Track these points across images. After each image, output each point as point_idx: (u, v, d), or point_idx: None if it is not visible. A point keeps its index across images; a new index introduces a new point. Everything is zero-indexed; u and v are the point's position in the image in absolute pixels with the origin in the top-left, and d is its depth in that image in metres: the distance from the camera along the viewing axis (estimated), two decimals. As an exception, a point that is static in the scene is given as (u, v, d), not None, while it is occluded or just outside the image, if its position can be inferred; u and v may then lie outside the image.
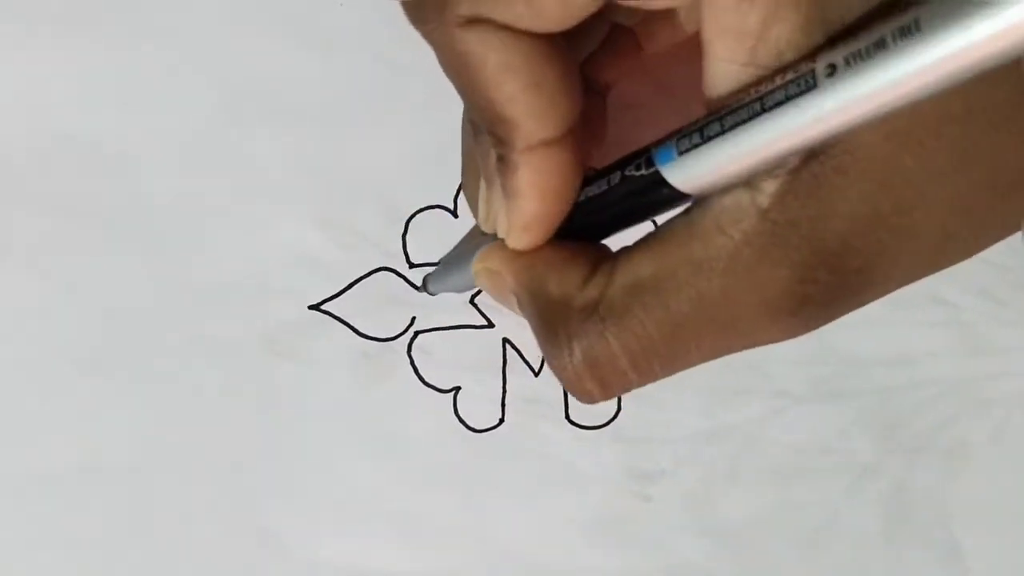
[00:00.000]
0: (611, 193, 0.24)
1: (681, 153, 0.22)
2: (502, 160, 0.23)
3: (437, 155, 0.38)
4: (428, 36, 0.23)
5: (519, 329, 0.38)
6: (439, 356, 0.38)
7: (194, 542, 0.37)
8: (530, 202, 0.24)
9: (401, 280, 0.38)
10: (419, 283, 0.38)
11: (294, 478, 0.38)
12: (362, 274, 0.38)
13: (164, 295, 0.37)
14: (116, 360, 0.37)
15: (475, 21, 0.22)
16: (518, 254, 0.25)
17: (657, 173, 0.22)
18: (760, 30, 0.20)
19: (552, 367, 0.24)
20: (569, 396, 0.38)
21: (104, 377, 0.37)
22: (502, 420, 0.38)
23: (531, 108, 0.22)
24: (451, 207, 0.38)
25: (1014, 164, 0.21)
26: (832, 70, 0.19)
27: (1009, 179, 0.22)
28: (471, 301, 0.38)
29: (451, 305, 0.38)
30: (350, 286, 0.38)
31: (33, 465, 0.37)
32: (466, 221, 0.38)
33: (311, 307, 0.38)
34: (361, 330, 0.38)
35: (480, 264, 0.27)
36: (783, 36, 0.20)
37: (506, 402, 0.38)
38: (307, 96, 0.38)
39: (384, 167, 0.38)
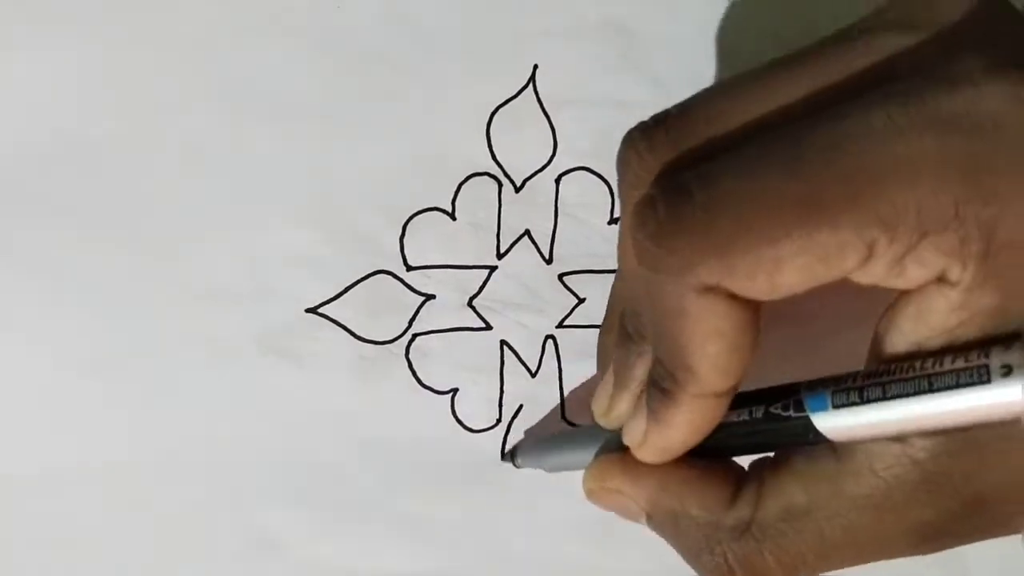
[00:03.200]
0: (752, 424, 0.26)
1: (836, 407, 0.24)
2: (665, 393, 0.25)
3: (435, 157, 0.38)
4: (659, 284, 0.24)
5: (517, 331, 0.38)
6: (437, 358, 0.38)
7: (191, 543, 0.37)
8: (679, 434, 0.26)
9: (399, 283, 0.38)
10: (419, 287, 0.38)
11: (292, 480, 0.38)
12: (360, 277, 0.38)
13: (161, 296, 0.37)
14: (114, 361, 0.37)
15: (711, 289, 0.23)
16: (645, 474, 0.27)
17: (807, 419, 0.24)
18: (953, 328, 0.22)
19: (702, 573, 0.27)
20: (566, 396, 0.38)
21: (102, 378, 0.37)
22: (499, 421, 0.38)
23: (719, 366, 0.24)
24: (449, 210, 0.38)
25: None
26: (1008, 371, 0.21)
27: None
28: (469, 304, 0.38)
29: (449, 307, 0.38)
30: (348, 289, 0.38)
31: (31, 465, 0.37)
32: (465, 224, 0.38)
33: (308, 310, 0.38)
34: (358, 333, 0.38)
35: (597, 483, 0.29)
36: (964, 335, 0.22)
37: (503, 403, 0.38)
38: (305, 97, 0.38)
39: (382, 169, 0.38)
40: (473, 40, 0.38)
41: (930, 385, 0.22)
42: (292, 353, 0.38)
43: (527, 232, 0.38)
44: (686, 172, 0.23)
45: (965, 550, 0.40)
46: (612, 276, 0.38)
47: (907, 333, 0.23)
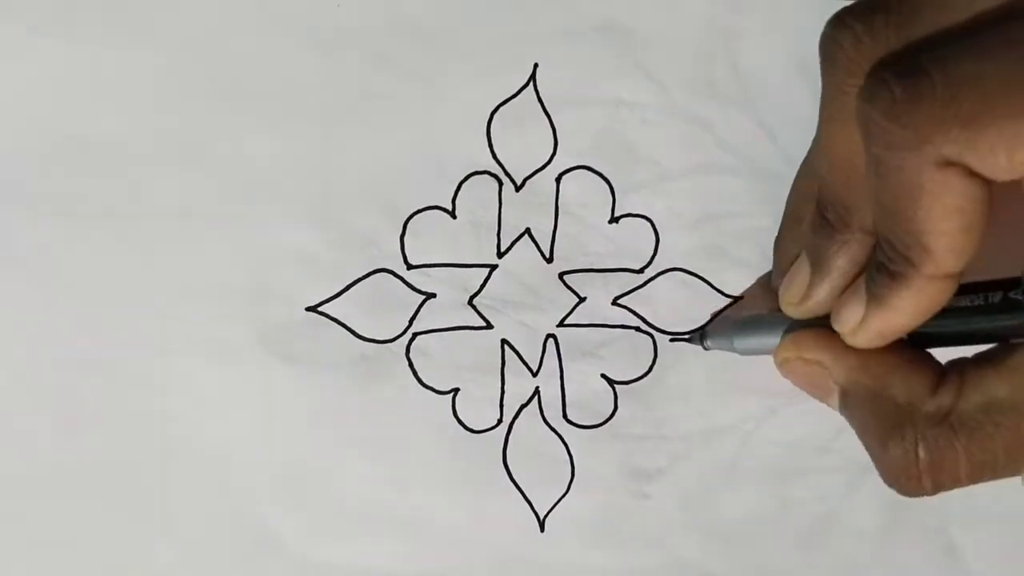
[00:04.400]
0: (985, 309, 0.26)
1: None
2: (892, 275, 0.25)
3: (436, 156, 0.38)
4: (893, 162, 0.24)
5: (518, 330, 0.38)
6: (437, 357, 0.38)
7: (192, 543, 0.37)
8: (901, 318, 0.26)
9: (399, 281, 0.38)
10: (419, 286, 0.38)
11: (292, 479, 0.38)
12: (360, 275, 0.38)
13: (161, 295, 0.37)
14: (114, 360, 0.37)
15: (951, 163, 0.23)
16: (848, 350, 0.28)
17: None
18: None
19: (884, 460, 0.27)
20: (567, 395, 0.38)
21: (102, 377, 0.37)
22: (500, 420, 0.38)
23: (954, 246, 0.24)
24: (449, 208, 0.38)
25: None
26: None
27: None
28: (469, 303, 0.38)
29: (450, 306, 0.38)
30: (348, 287, 0.38)
31: (31, 465, 0.37)
32: (465, 222, 0.38)
33: (308, 309, 0.38)
34: (359, 332, 0.38)
35: (793, 351, 0.29)
36: None
37: (504, 403, 0.38)
38: (305, 96, 0.38)
39: (382, 168, 0.38)
40: (473, 39, 0.38)
41: None
42: (292, 352, 0.38)
43: (527, 231, 0.39)
44: (921, 55, 0.23)
45: (965, 550, 0.40)
46: (612, 275, 0.39)
47: None
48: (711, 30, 0.39)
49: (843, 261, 0.28)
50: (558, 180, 0.39)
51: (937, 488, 0.26)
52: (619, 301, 0.39)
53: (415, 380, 0.38)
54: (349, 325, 0.38)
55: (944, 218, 0.24)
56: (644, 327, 0.39)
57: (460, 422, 0.38)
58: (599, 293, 0.38)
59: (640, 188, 0.39)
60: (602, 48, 0.39)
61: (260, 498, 0.37)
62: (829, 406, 0.29)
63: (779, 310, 0.32)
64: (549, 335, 0.38)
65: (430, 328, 0.38)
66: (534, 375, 0.38)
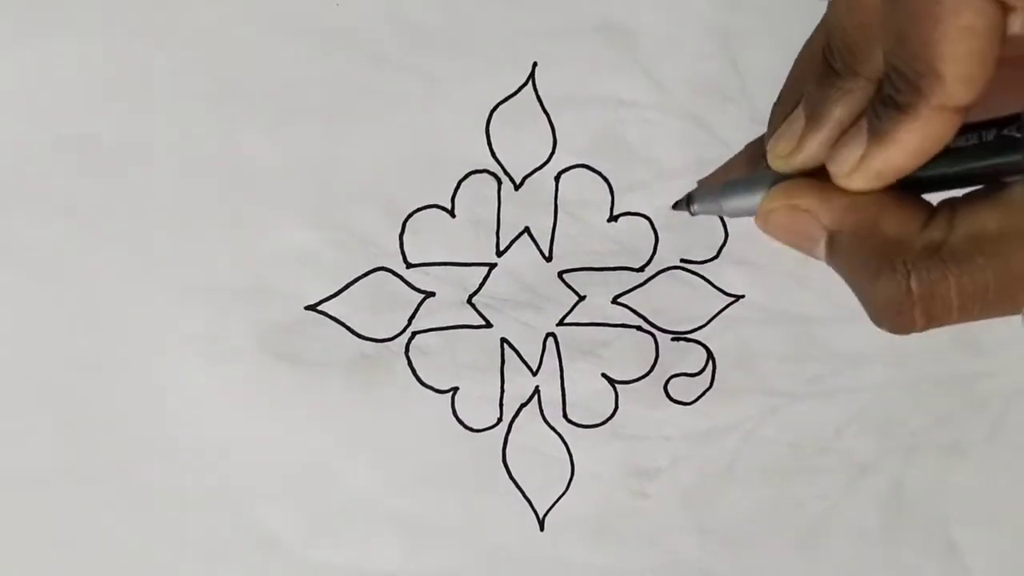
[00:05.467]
0: (980, 148, 0.26)
1: None
2: (900, 108, 0.25)
3: (435, 155, 0.38)
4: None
5: (517, 329, 0.38)
6: (437, 356, 0.38)
7: (193, 544, 0.37)
8: (903, 154, 0.25)
9: (398, 280, 0.38)
10: (419, 284, 0.38)
11: (292, 479, 0.38)
12: (359, 274, 0.38)
13: (162, 295, 0.37)
14: (114, 360, 0.37)
15: None
16: (838, 194, 0.27)
17: None
18: None
19: (875, 296, 0.26)
20: (567, 394, 0.38)
21: (102, 377, 0.37)
22: (500, 420, 0.38)
23: (965, 74, 0.24)
24: (449, 207, 0.38)
25: None
26: None
27: None
28: (468, 301, 0.38)
29: (449, 305, 0.38)
30: (347, 286, 0.38)
31: (31, 465, 0.37)
32: (465, 221, 0.38)
33: (308, 307, 0.38)
34: (358, 330, 0.38)
35: (781, 200, 0.28)
36: None
37: (504, 402, 0.38)
38: (304, 96, 0.38)
39: (381, 167, 0.38)
40: (473, 39, 0.38)
41: None
42: (292, 351, 0.38)
43: (527, 229, 0.38)
44: None
45: (965, 550, 0.40)
46: (612, 274, 0.39)
47: None
48: (711, 30, 0.39)
49: (841, 110, 0.27)
50: (557, 179, 0.39)
51: (929, 322, 0.26)
52: (619, 300, 0.39)
53: (414, 379, 0.38)
54: (348, 324, 0.38)
55: (959, 39, 0.23)
56: (645, 326, 0.39)
57: (459, 421, 0.38)
58: (599, 292, 0.38)
59: (639, 187, 0.39)
60: (602, 48, 0.39)
61: (260, 497, 0.37)
62: (814, 257, 0.28)
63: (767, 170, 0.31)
64: (549, 334, 0.38)
65: (429, 327, 0.38)
66: (534, 374, 0.38)
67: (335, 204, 0.38)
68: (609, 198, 0.39)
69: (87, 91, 0.37)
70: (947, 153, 0.26)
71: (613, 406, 0.38)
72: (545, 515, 0.38)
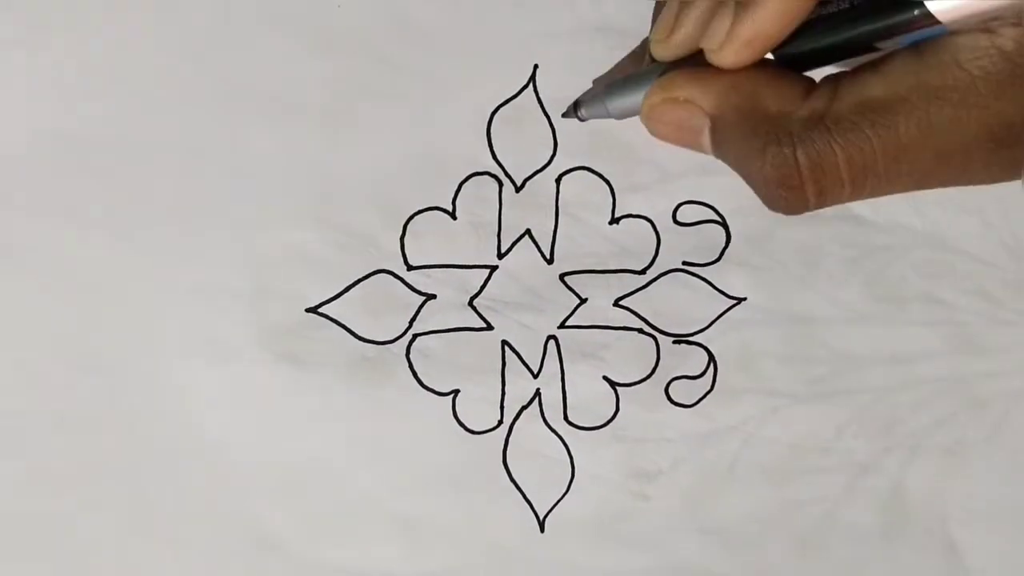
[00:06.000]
0: (853, 11, 0.24)
1: None
2: None
3: (436, 157, 0.38)
4: None
5: (518, 331, 0.38)
6: (438, 359, 0.38)
7: (193, 545, 0.37)
8: (769, 18, 0.25)
9: (399, 282, 0.38)
10: (420, 287, 0.38)
11: (293, 481, 0.38)
12: (360, 276, 0.38)
13: (162, 296, 0.37)
14: (114, 360, 0.37)
15: None
16: (717, 77, 0.26)
17: None
18: None
19: (763, 174, 0.25)
20: (568, 397, 0.38)
21: (102, 377, 0.37)
22: (501, 422, 0.38)
23: None
24: (449, 209, 0.38)
25: None
26: None
27: None
28: (469, 304, 0.38)
29: (450, 307, 0.38)
30: (348, 288, 0.38)
31: (31, 465, 0.37)
32: (466, 223, 0.38)
33: (309, 310, 0.38)
34: (359, 333, 0.38)
35: (661, 94, 0.27)
36: None
37: (505, 404, 0.38)
38: (305, 97, 0.38)
39: (382, 169, 0.38)
40: (473, 40, 0.38)
41: None
42: (292, 353, 0.37)
43: (528, 232, 0.38)
44: None
45: (965, 550, 0.40)
46: (614, 276, 0.39)
47: None
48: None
49: None
50: (558, 181, 0.39)
51: (821, 197, 0.25)
52: (621, 302, 0.38)
53: (415, 381, 0.38)
54: (349, 326, 0.38)
55: None
56: (646, 328, 0.39)
57: (460, 423, 0.38)
58: (600, 294, 0.38)
59: (641, 189, 0.39)
60: (602, 48, 0.39)
61: (260, 498, 0.37)
62: (703, 151, 0.27)
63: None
64: (550, 336, 0.38)
65: (430, 329, 0.38)
66: (535, 376, 0.38)
67: (336, 206, 0.38)
68: (610, 200, 0.39)
69: (87, 91, 0.37)
70: (821, 23, 0.25)
71: (614, 408, 0.38)
72: (546, 517, 0.38)
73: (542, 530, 0.38)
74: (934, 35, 0.23)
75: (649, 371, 0.39)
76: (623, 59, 0.31)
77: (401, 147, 0.38)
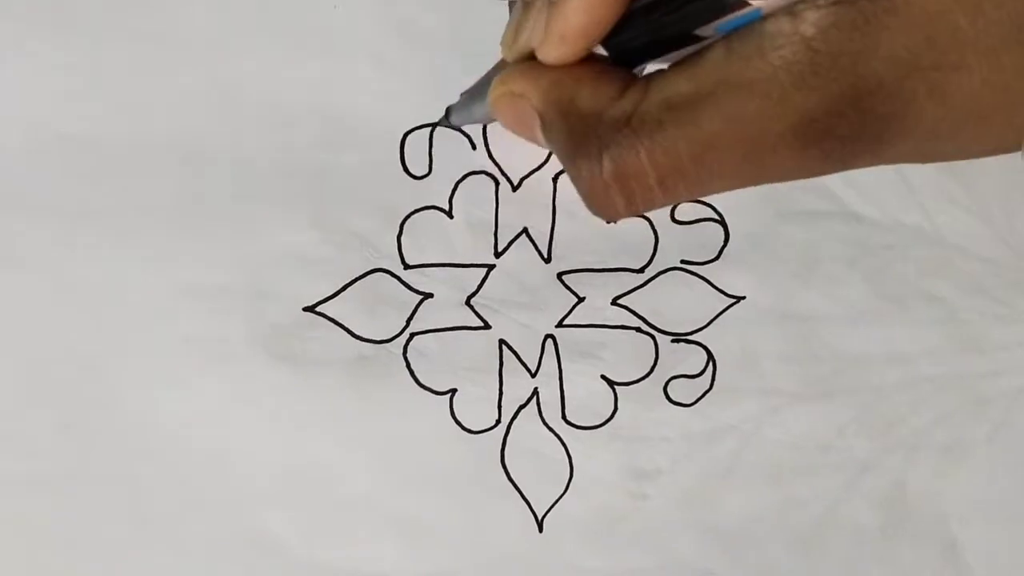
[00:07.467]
0: (662, 7, 0.24)
1: None
2: None
3: (432, 156, 0.38)
4: None
5: (516, 330, 0.38)
6: (435, 358, 0.38)
7: (191, 545, 0.37)
8: (576, 13, 0.24)
9: (396, 281, 0.38)
10: (417, 286, 0.38)
11: (291, 480, 0.37)
12: (358, 275, 0.38)
13: (160, 296, 0.37)
14: (113, 361, 0.37)
15: None
16: (545, 73, 0.25)
17: None
18: None
19: (577, 180, 0.24)
20: (566, 396, 0.38)
21: (101, 377, 0.37)
22: (498, 421, 0.38)
23: None
24: (446, 208, 0.38)
25: None
26: None
27: None
28: (467, 303, 0.38)
29: (447, 306, 0.38)
30: (345, 287, 0.38)
31: (31, 466, 0.37)
32: (463, 222, 0.38)
33: (306, 309, 0.38)
34: (357, 332, 0.38)
35: (501, 88, 0.26)
36: None
37: (502, 403, 0.38)
38: (304, 97, 0.38)
39: (379, 168, 0.38)
40: (470, 39, 0.38)
41: None
42: (290, 352, 0.37)
43: (525, 230, 0.38)
44: None
45: (965, 549, 0.40)
46: (612, 275, 0.38)
47: None
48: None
49: None
50: (555, 179, 0.38)
51: (630, 204, 0.24)
52: (619, 301, 0.38)
53: (413, 380, 0.38)
54: (346, 325, 0.38)
55: None
56: (645, 327, 0.38)
57: (458, 423, 0.38)
58: (598, 293, 0.38)
59: (639, 187, 0.38)
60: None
61: (258, 498, 0.37)
62: (541, 145, 0.26)
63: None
64: (548, 335, 0.38)
65: (428, 328, 0.38)
66: (533, 376, 0.38)
67: (333, 205, 0.38)
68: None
69: (87, 91, 0.37)
70: (643, 13, 0.24)
71: (612, 408, 0.38)
72: (544, 516, 0.38)
73: (540, 530, 0.38)
74: (751, 19, 0.22)
75: (648, 370, 0.38)
76: (491, 68, 0.30)
77: (397, 146, 0.38)
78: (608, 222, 0.24)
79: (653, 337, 0.39)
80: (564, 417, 0.38)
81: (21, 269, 0.37)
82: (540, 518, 0.38)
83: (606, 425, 0.38)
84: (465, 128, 0.38)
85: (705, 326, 0.38)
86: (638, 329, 0.38)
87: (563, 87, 0.25)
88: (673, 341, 0.38)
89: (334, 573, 0.38)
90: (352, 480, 0.38)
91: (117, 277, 0.37)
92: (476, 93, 0.30)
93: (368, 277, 0.38)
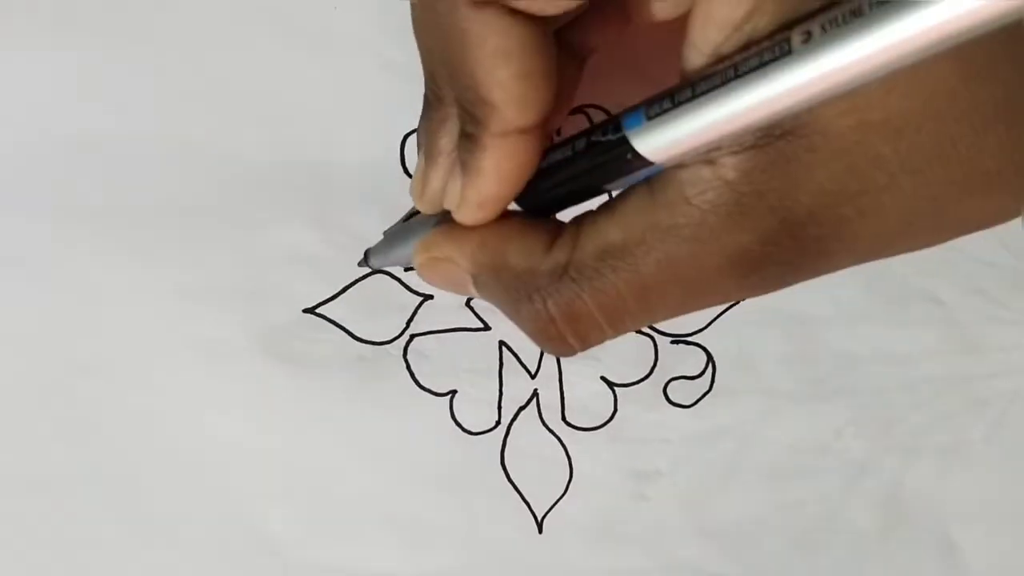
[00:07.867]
0: (575, 160, 0.24)
1: (650, 118, 0.22)
2: (470, 138, 0.24)
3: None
4: (431, 5, 0.23)
5: (516, 331, 0.38)
6: (435, 359, 0.38)
7: (190, 545, 0.37)
8: (490, 183, 0.24)
9: (396, 283, 0.38)
10: (417, 287, 0.38)
11: (290, 481, 0.37)
12: (358, 276, 0.38)
13: (160, 296, 0.37)
14: (112, 361, 0.37)
15: (487, 2, 0.22)
16: (468, 235, 0.26)
17: (624, 139, 0.23)
18: (742, 22, 0.21)
19: (524, 324, 0.25)
20: (566, 397, 0.38)
21: (101, 377, 0.37)
22: (498, 423, 0.38)
23: (515, 96, 0.23)
24: (446, 209, 0.38)
25: (991, 166, 0.22)
26: (807, 37, 0.20)
27: (983, 180, 0.22)
28: (467, 304, 0.38)
29: (447, 308, 0.38)
30: (345, 289, 0.38)
31: (30, 467, 0.37)
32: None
33: (306, 310, 0.38)
34: (356, 333, 0.38)
35: (425, 255, 0.27)
36: (760, 27, 0.21)
37: (502, 404, 0.38)
38: (302, 97, 0.38)
39: (380, 169, 0.38)
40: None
41: (736, 72, 0.20)
42: (290, 353, 0.37)
43: (526, 232, 0.38)
44: None
45: (965, 550, 0.40)
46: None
47: (700, 44, 0.22)
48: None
49: (446, 141, 0.26)
50: (556, 180, 0.38)
51: (585, 341, 0.25)
52: (618, 302, 0.38)
53: (413, 382, 0.38)
54: (346, 327, 0.38)
55: (494, 64, 0.22)
56: (644, 328, 0.38)
57: (458, 424, 0.38)
58: (598, 294, 0.38)
59: (639, 188, 0.38)
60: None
61: (258, 500, 0.37)
62: (477, 298, 0.27)
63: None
64: (547, 336, 0.38)
65: (428, 330, 0.38)
66: (532, 377, 0.38)
67: (334, 206, 0.38)
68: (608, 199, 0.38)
69: (86, 91, 0.37)
70: (552, 172, 0.25)
71: (612, 409, 0.38)
72: (544, 517, 0.38)
73: (540, 531, 0.38)
74: (658, 171, 0.23)
75: (647, 371, 0.39)
76: (409, 210, 0.30)
77: (398, 147, 0.38)
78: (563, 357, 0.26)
79: (652, 338, 0.39)
80: (564, 418, 0.38)
81: (20, 269, 0.37)
82: (540, 519, 0.38)
83: (606, 426, 0.38)
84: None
85: (704, 327, 0.38)
86: (637, 330, 0.39)
87: (490, 248, 0.25)
88: (672, 342, 0.39)
89: (334, 573, 0.38)
90: (352, 481, 0.38)
91: (116, 277, 0.37)
92: (395, 237, 0.30)
93: (368, 278, 0.38)
